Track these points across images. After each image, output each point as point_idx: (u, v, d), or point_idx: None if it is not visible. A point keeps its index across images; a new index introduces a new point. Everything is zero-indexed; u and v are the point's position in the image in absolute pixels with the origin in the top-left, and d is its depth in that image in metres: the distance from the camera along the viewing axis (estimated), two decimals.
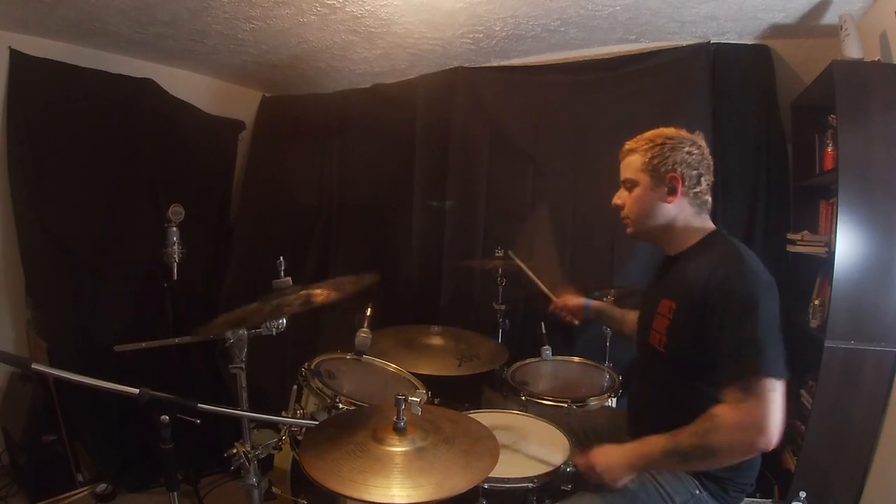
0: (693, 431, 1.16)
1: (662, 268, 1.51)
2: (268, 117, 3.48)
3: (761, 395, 1.10)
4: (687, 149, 1.36)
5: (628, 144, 1.44)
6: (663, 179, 1.36)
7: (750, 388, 1.11)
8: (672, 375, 1.33)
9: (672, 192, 1.36)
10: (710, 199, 1.41)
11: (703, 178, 1.37)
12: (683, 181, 1.35)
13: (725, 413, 1.13)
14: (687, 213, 1.39)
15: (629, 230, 1.47)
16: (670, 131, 1.40)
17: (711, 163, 1.41)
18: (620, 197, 1.46)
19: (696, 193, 1.37)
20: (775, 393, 1.10)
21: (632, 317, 1.76)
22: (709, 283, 1.22)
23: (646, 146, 1.39)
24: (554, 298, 1.97)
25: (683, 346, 1.29)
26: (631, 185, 1.42)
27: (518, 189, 2.78)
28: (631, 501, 1.30)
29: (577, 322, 1.94)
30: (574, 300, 1.91)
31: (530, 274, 2.10)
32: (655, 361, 1.39)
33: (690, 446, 1.16)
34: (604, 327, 2.26)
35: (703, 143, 1.40)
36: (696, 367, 1.27)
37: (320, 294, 1.52)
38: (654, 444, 1.22)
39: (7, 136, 2.48)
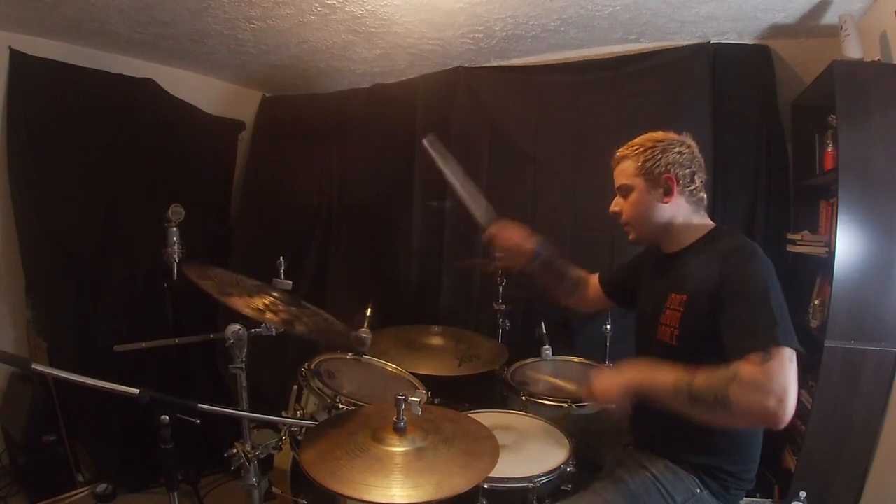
0: (712, 376, 1.14)
1: (661, 265, 1.50)
2: (268, 117, 3.48)
3: (782, 361, 1.10)
4: (677, 149, 1.39)
5: (619, 152, 1.47)
6: (658, 181, 1.39)
7: (771, 355, 1.11)
8: (684, 367, 1.33)
9: (668, 193, 1.39)
10: (705, 196, 1.44)
11: (696, 176, 1.40)
12: (678, 181, 1.38)
13: (748, 369, 1.11)
14: (685, 211, 1.41)
15: (631, 236, 1.48)
16: (659, 134, 1.42)
17: (702, 161, 1.43)
18: (617, 204, 1.48)
19: (691, 191, 1.40)
20: (793, 364, 1.11)
21: (577, 273, 1.76)
22: (723, 273, 1.25)
23: (637, 151, 1.42)
24: (487, 228, 1.70)
25: (697, 337, 1.30)
26: (627, 190, 1.45)
27: (518, 189, 2.77)
28: (631, 501, 1.30)
29: (510, 267, 1.72)
30: (520, 236, 1.67)
31: (458, 190, 1.71)
32: (666, 356, 1.37)
33: (705, 389, 1.13)
34: (604, 326, 2.26)
35: (692, 142, 1.43)
36: (709, 358, 1.27)
37: (301, 328, 1.51)
38: (666, 375, 1.20)
39: (7, 135, 2.49)
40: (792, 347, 1.12)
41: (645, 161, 1.39)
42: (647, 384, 1.23)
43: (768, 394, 1.08)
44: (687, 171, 1.39)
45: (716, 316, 1.23)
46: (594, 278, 1.79)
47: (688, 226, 1.41)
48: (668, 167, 1.37)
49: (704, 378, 1.14)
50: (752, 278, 1.21)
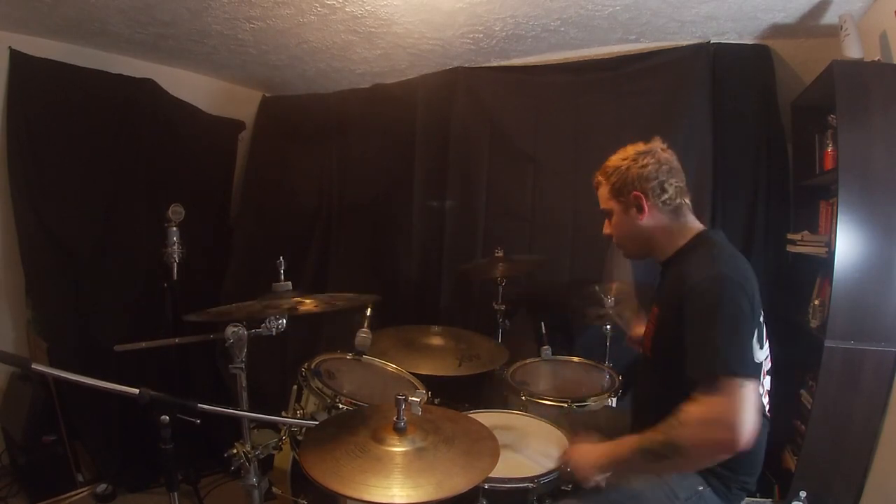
0: (661, 429, 1.17)
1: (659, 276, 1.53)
2: (268, 117, 3.48)
3: (727, 392, 1.10)
4: (640, 163, 1.38)
5: (597, 177, 1.48)
6: (629, 201, 1.39)
7: (714, 386, 1.11)
8: (659, 379, 1.35)
9: (640, 211, 1.38)
10: (684, 200, 1.40)
11: (665, 185, 1.37)
12: (647, 196, 1.37)
13: (690, 409, 1.14)
14: (663, 221, 1.40)
15: (624, 253, 1.51)
16: (626, 151, 1.43)
17: (674, 164, 1.41)
18: (607, 227, 1.49)
19: (664, 202, 1.38)
20: (744, 390, 1.10)
21: None
22: (683, 288, 1.24)
23: (608, 173, 1.44)
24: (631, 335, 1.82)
25: (665, 350, 1.31)
26: (609, 214, 1.46)
27: (518, 189, 2.77)
28: (636, 498, 1.30)
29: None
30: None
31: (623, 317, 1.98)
32: (646, 366, 1.43)
33: (659, 444, 1.16)
34: (604, 327, 2.26)
35: (659, 147, 1.41)
36: (677, 370, 1.27)
37: (308, 304, 1.51)
38: (627, 443, 1.23)
39: (7, 135, 2.49)
40: (739, 375, 1.11)
41: (614, 184, 1.41)
42: (615, 460, 1.25)
43: (716, 426, 1.10)
44: (654, 182, 1.37)
45: (677, 333, 1.23)
46: None
47: (668, 235, 1.40)
48: (634, 184, 1.37)
49: (655, 433, 1.17)
50: (701, 298, 1.19)
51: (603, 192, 1.45)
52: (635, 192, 1.37)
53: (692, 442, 1.13)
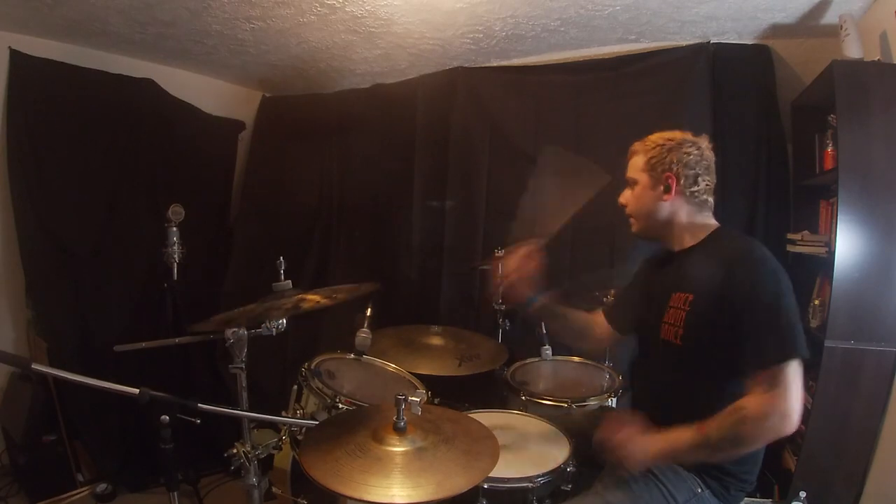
0: (721, 424, 1.19)
1: (665, 264, 1.51)
2: (268, 117, 3.48)
3: (785, 383, 1.14)
4: (685, 149, 1.40)
5: (635, 145, 1.49)
6: (660, 178, 1.41)
7: (775, 378, 1.15)
8: (689, 367, 1.34)
9: (667, 191, 1.40)
10: (710, 199, 1.44)
11: (700, 179, 1.40)
12: (678, 180, 1.39)
13: (752, 405, 1.16)
14: (685, 211, 1.42)
15: (633, 228, 1.51)
16: (674, 133, 1.44)
17: (712, 164, 1.44)
18: (625, 196, 1.50)
19: (692, 193, 1.40)
20: (797, 377, 1.15)
21: (580, 317, 1.72)
22: (731, 279, 1.25)
23: (647, 147, 1.45)
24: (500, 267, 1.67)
25: (702, 337, 1.31)
26: (633, 183, 1.47)
27: (518, 189, 2.77)
28: (633, 501, 1.30)
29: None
30: (522, 287, 1.60)
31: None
32: (670, 355, 1.39)
33: (720, 438, 1.18)
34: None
35: (705, 144, 1.44)
36: (714, 358, 1.29)
37: (311, 300, 1.51)
38: (681, 437, 1.23)
39: (7, 136, 2.49)
40: (800, 357, 1.16)
41: (651, 158, 1.42)
42: (672, 453, 1.26)
43: (776, 418, 1.14)
44: (691, 171, 1.39)
45: (720, 320, 1.25)
46: (599, 317, 1.72)
47: (691, 225, 1.43)
48: (672, 166, 1.39)
49: (717, 427, 1.19)
50: (762, 289, 1.22)
51: (637, 161, 1.46)
52: (668, 173, 1.39)
53: (756, 436, 1.17)
